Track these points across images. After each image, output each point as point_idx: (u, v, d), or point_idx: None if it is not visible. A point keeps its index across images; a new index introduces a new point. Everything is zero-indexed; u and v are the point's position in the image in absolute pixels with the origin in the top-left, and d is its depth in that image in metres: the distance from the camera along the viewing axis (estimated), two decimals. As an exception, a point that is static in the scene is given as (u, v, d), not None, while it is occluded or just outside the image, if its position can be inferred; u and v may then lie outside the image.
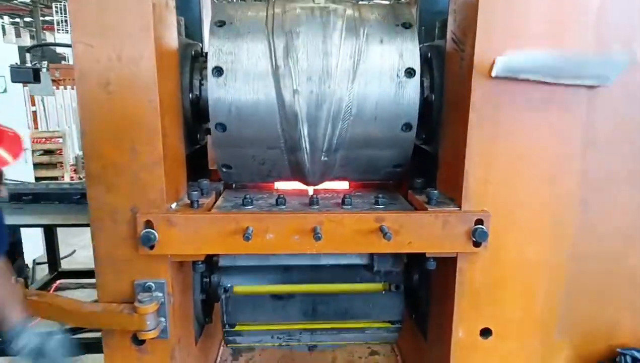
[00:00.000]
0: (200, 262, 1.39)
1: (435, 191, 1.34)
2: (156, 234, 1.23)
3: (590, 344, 1.41)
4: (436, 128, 1.51)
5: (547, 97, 1.25)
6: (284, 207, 1.42)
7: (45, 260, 3.72)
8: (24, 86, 5.29)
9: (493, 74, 1.19)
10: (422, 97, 1.49)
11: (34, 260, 4.40)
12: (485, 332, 1.38)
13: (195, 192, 1.33)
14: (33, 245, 4.27)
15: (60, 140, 7.81)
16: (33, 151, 6.60)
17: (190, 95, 1.46)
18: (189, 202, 1.34)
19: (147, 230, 1.23)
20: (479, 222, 1.27)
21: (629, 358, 1.36)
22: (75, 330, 3.31)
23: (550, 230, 1.33)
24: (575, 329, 1.40)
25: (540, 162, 1.29)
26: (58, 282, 2.15)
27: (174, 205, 1.32)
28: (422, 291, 1.64)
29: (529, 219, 1.32)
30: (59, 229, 3.91)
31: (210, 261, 1.63)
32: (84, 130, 1.23)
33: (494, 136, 1.28)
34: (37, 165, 6.71)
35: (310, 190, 1.62)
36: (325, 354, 1.95)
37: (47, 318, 1.30)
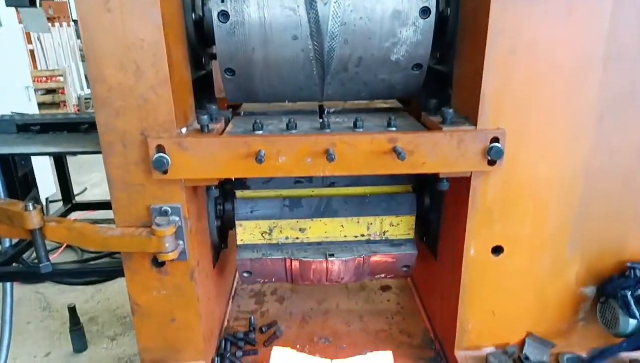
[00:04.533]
0: (213, 187, 1.39)
1: (450, 110, 1.30)
2: (169, 159, 1.23)
3: (601, 259, 1.43)
4: (451, 46, 1.45)
5: (569, 5, 1.18)
6: (295, 131, 1.40)
7: (58, 198, 3.80)
8: (19, 23, 5.12)
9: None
10: (437, 12, 1.42)
11: (46, 199, 4.48)
12: (497, 250, 1.40)
13: (205, 117, 1.30)
14: (45, 183, 4.33)
15: (61, 78, 7.69)
16: (35, 90, 6.51)
17: (193, 16, 1.39)
18: (198, 127, 1.32)
19: (159, 154, 1.22)
20: (495, 140, 1.25)
21: (637, 272, 1.38)
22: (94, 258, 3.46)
23: (565, 146, 1.31)
24: (586, 245, 1.42)
25: (560, 75, 1.24)
26: (72, 215, 2.19)
27: (184, 130, 1.30)
28: (434, 213, 1.66)
29: (544, 135, 1.29)
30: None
31: (224, 188, 1.64)
32: (86, 52, 1.18)
33: (512, 50, 1.22)
34: (40, 105, 6.67)
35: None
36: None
37: (66, 243, 1.33)
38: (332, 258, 1.58)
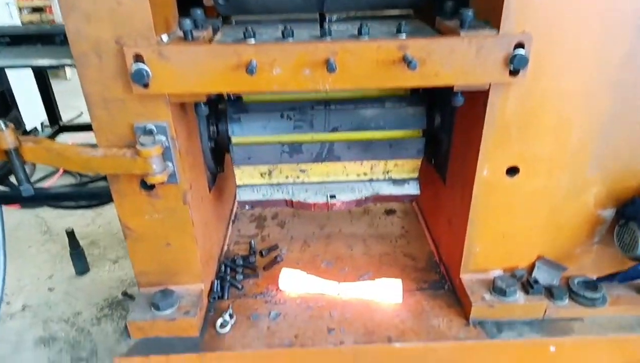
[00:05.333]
0: (202, 104, 1.27)
1: (470, 11, 1.13)
2: (149, 70, 1.09)
3: (623, 181, 1.33)
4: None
5: None
6: (291, 39, 1.24)
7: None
8: None
9: None
10: None
11: (42, 123, 4.36)
12: (512, 170, 1.30)
13: (188, 21, 1.14)
14: (37, 109, 4.19)
15: (46, -6, 7.22)
16: (20, 9, 6.14)
17: None
18: (181, 34, 1.16)
19: (138, 65, 1.08)
20: (519, 45, 1.09)
21: (662, 193, 1.29)
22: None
23: (597, 53, 1.15)
24: (609, 165, 1.31)
25: (602, -33, 1.06)
26: (61, 138, 2.08)
27: (165, 38, 1.15)
28: (444, 133, 1.53)
29: (575, 40, 1.13)
30: (62, 92, 3.78)
31: (216, 107, 1.52)
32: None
33: (546, -63, 1.03)
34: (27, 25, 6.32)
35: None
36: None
37: (45, 164, 1.23)
38: (333, 200, 1.54)
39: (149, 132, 1.19)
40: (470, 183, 1.33)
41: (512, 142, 1.25)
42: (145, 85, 1.10)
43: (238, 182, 1.59)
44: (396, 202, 1.67)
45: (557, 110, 1.21)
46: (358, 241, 1.83)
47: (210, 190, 1.59)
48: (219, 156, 1.66)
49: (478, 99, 1.23)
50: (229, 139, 1.52)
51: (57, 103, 3.31)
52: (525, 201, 1.34)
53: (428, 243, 1.82)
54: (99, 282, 2.40)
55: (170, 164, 1.22)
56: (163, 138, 1.19)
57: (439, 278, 1.62)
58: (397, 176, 1.58)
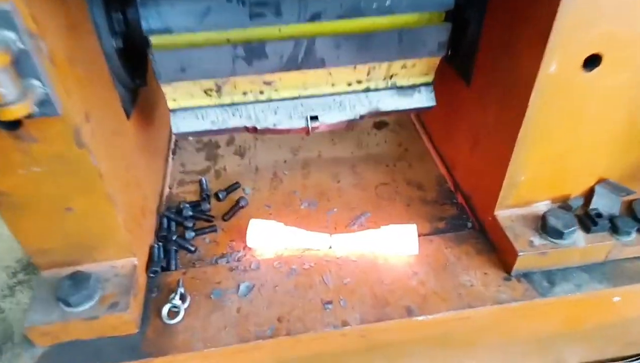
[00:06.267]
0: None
1: None
2: None
3: None
4: None
5: None
6: None
7: None
8: None
9: None
10: None
11: None
12: (591, 61, 0.85)
13: None
14: None
15: None
16: None
17: None
18: None
19: None
20: None
21: None
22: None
23: None
24: None
25: None
26: None
27: None
28: (471, 11, 1.05)
29: None
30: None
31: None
32: None
33: None
34: None
35: None
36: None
37: None
38: (315, 123, 1.10)
39: (-21, 24, 0.63)
40: (522, 84, 0.89)
41: (601, 18, 0.79)
42: None
43: (171, 106, 1.07)
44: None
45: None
46: (345, 168, 1.39)
47: (128, 116, 1.06)
48: (137, 61, 1.11)
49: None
50: (146, 37, 0.97)
51: None
52: (601, 104, 0.92)
53: (435, 164, 1.41)
54: (7, 237, 1.88)
55: (36, 83, 0.69)
56: (10, 35, 0.65)
57: (457, 213, 1.23)
58: (405, 82, 1.10)
